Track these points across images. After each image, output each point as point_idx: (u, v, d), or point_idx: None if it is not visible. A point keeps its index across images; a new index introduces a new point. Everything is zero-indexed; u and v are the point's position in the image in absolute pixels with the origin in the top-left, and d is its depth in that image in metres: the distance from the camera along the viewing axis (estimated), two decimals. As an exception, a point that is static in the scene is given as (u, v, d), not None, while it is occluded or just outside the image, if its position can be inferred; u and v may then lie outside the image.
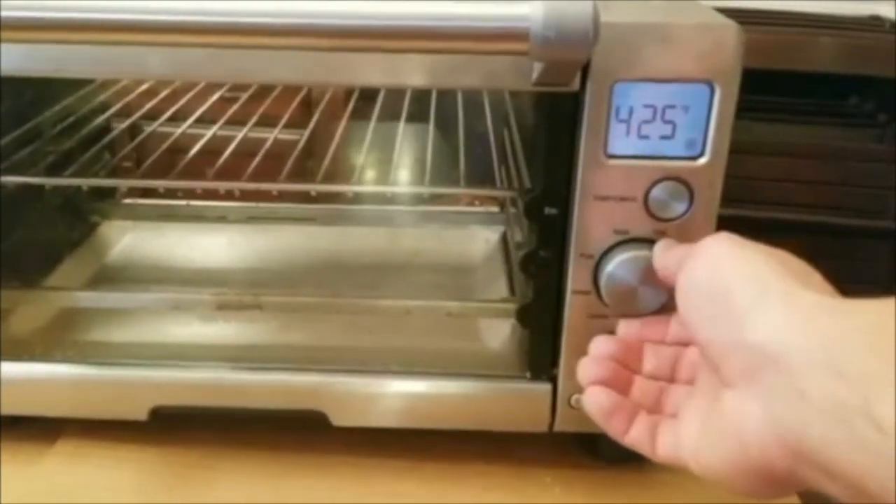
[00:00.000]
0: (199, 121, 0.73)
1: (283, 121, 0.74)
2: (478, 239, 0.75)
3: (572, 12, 0.39)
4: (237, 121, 0.74)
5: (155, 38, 0.41)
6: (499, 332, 0.61)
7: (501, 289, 0.67)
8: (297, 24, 0.40)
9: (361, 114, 0.79)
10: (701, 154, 0.46)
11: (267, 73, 0.49)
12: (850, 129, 1.52)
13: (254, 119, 0.73)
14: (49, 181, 0.63)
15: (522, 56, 0.41)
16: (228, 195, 0.60)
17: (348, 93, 0.86)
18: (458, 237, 0.76)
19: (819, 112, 1.52)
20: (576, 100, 0.45)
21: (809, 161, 1.49)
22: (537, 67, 0.44)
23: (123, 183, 0.72)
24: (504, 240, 0.74)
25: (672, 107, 0.45)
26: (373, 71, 0.47)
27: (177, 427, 0.56)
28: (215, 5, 0.40)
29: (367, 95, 0.83)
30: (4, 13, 0.39)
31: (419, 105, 0.76)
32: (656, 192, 0.47)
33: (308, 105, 0.88)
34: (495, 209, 0.77)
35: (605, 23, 0.40)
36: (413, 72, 0.46)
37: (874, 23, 1.49)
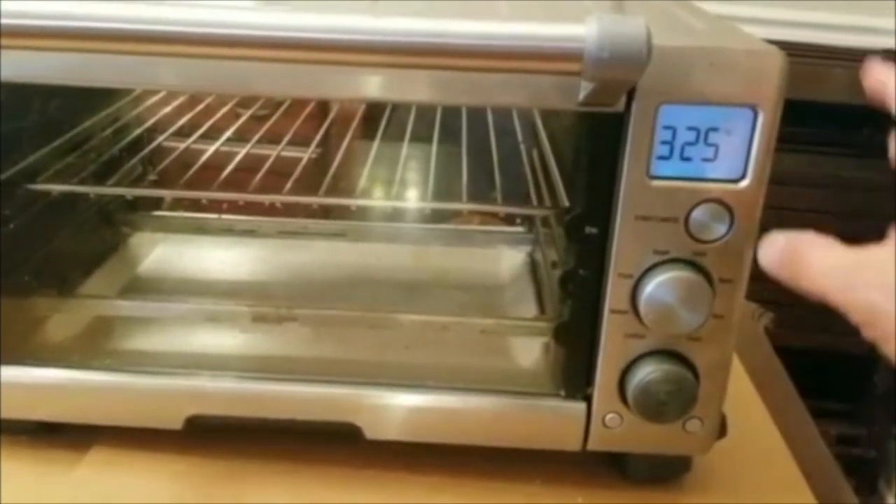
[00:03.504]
0: (223, 139, 0.74)
1: (316, 140, 0.75)
2: (505, 258, 0.76)
3: (626, 33, 0.39)
4: (264, 139, 0.75)
5: (172, 50, 0.41)
6: (530, 351, 0.61)
7: (530, 308, 0.67)
8: (347, 41, 0.41)
9: (385, 134, 0.80)
10: (742, 177, 0.47)
11: (298, 89, 0.50)
12: (863, 160, 1.54)
13: (287, 138, 0.74)
14: (94, 190, 0.64)
15: (573, 76, 0.41)
16: (262, 209, 0.60)
17: (373, 112, 0.87)
18: (485, 256, 0.76)
19: (832, 143, 1.54)
20: (620, 120, 0.46)
21: (820, 191, 1.50)
22: (585, 87, 0.44)
23: (168, 194, 0.72)
24: (531, 259, 0.74)
25: (715, 130, 0.46)
26: (417, 88, 0.47)
27: (211, 437, 0.56)
28: (242, 19, 0.40)
29: (394, 113, 0.84)
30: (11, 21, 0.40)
31: (446, 125, 0.77)
32: (697, 213, 0.47)
33: (329, 124, 0.89)
34: (522, 229, 0.77)
35: (654, 46, 0.41)
36: (459, 90, 0.47)
37: (888, 55, 1.51)
